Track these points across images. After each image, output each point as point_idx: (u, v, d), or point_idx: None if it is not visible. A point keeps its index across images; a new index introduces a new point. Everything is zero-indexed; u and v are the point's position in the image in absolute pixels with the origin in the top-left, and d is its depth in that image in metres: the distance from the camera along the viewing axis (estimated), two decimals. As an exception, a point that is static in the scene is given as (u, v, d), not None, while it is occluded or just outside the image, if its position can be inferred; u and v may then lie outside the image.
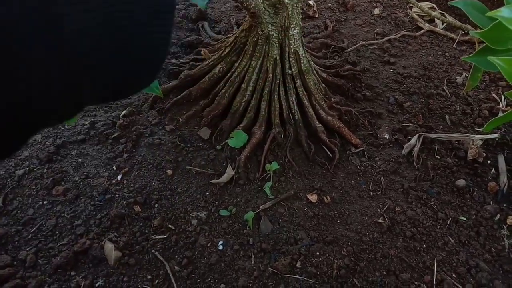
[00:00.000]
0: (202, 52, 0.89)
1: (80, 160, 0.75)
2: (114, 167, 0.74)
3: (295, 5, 0.71)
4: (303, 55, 0.78)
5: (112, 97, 0.23)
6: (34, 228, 0.65)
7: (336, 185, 0.75)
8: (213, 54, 0.87)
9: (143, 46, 0.22)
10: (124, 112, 0.82)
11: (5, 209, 0.67)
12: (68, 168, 0.74)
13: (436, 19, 1.13)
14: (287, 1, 0.70)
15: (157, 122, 0.82)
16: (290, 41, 0.76)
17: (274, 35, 0.75)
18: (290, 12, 0.72)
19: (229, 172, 0.73)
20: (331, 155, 0.79)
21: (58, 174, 0.72)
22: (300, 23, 0.76)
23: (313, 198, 0.72)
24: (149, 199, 0.70)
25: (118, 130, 0.80)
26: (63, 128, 0.80)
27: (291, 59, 0.78)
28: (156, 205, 0.70)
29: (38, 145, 0.76)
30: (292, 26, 0.74)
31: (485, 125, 0.61)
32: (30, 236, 0.64)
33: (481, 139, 0.82)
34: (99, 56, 0.19)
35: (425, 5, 1.15)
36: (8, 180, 0.71)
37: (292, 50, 0.77)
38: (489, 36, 0.53)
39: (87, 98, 0.21)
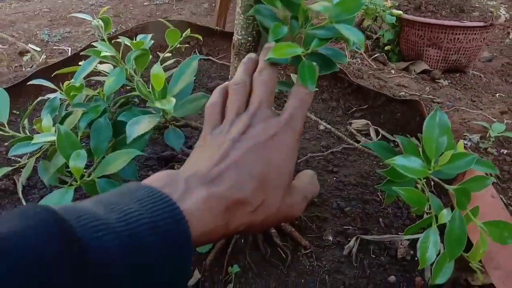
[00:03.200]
0: (175, 167, 1.05)
1: None
2: None
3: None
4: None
5: None
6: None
7: (289, 284, 0.88)
8: (184, 169, 1.04)
9: None
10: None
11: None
12: None
13: (371, 133, 1.37)
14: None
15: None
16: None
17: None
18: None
19: (196, 275, 0.85)
20: (284, 256, 0.92)
21: None
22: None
23: (269, 296, 0.85)
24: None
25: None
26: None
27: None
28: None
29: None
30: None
31: (405, 231, 0.77)
32: None
33: (408, 240, 0.99)
34: None
35: (361, 122, 1.40)
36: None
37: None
38: (391, 173, 0.70)
39: None
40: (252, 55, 0.46)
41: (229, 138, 0.36)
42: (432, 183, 1.15)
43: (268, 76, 0.42)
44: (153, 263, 0.27)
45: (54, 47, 2.12)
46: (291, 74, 0.87)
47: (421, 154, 0.65)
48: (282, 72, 1.63)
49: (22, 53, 1.95)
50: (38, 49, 2.05)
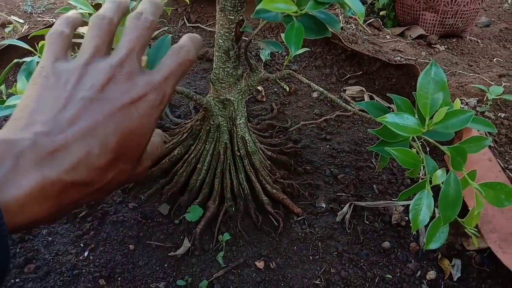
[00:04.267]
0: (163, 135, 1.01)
1: (50, 238, 0.83)
2: (81, 244, 0.82)
3: (239, 101, 0.87)
4: (249, 139, 0.93)
5: None
6: (6, 306, 0.71)
7: (281, 251, 0.86)
8: (172, 137, 1.00)
9: None
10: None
11: (-22, 289, 0.73)
12: (39, 246, 0.81)
13: (365, 99, 1.33)
14: (232, 98, 0.85)
15: (121, 201, 0.92)
16: (238, 129, 0.90)
17: (224, 124, 0.89)
18: (236, 106, 0.87)
19: (186, 244, 0.83)
20: (276, 224, 0.90)
21: (30, 253, 0.79)
22: (245, 113, 0.91)
23: (260, 264, 0.83)
24: (113, 273, 0.78)
25: (86, 209, 0.89)
26: (34, 209, 0.88)
27: (239, 143, 0.92)
28: (119, 278, 0.78)
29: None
30: (238, 116, 0.89)
31: (399, 196, 0.75)
32: (1, 314, 0.70)
33: (403, 205, 0.97)
34: None
35: (355, 88, 1.36)
36: (-18, 261, 0.77)
37: (240, 136, 0.91)
38: (383, 133, 0.67)
39: None
40: None
41: (83, 96, 0.28)
42: (428, 148, 1.12)
43: (149, 23, 0.32)
44: None
45: (38, 19, 2.04)
46: (282, 34, 0.83)
47: (415, 113, 0.62)
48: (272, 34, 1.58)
49: (4, 24, 1.87)
50: (21, 20, 1.97)
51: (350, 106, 1.17)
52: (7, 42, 0.74)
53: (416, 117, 0.60)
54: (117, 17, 0.33)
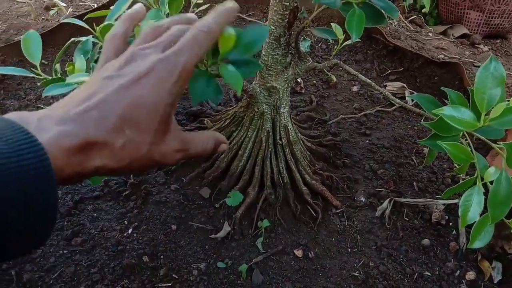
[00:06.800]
0: (205, 121, 1.03)
1: (95, 214, 0.86)
2: (125, 221, 0.85)
3: (285, 89, 0.87)
4: (291, 128, 0.93)
5: None
6: (55, 275, 0.74)
7: (319, 241, 0.86)
8: (214, 123, 1.01)
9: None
10: (135, 172, 0.94)
11: (30, 257, 0.76)
12: (85, 221, 0.84)
13: (406, 97, 1.31)
14: (279, 86, 0.85)
15: (163, 182, 0.93)
16: (281, 117, 0.90)
17: (268, 112, 0.89)
18: (281, 95, 0.87)
19: (226, 228, 0.84)
20: (315, 215, 0.90)
21: (77, 226, 0.82)
22: (289, 102, 0.91)
23: (299, 253, 0.83)
24: (156, 251, 0.80)
25: (129, 188, 0.91)
26: (80, 186, 0.91)
27: (281, 132, 0.92)
28: (162, 256, 0.79)
29: (59, 201, 0.87)
30: (282, 105, 0.89)
31: (444, 193, 0.73)
32: (51, 282, 0.73)
33: (443, 204, 0.95)
34: None
35: (396, 84, 1.34)
36: (32, 231, 0.81)
37: (282, 125, 0.91)
38: (437, 126, 0.66)
39: None
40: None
41: (104, 75, 0.32)
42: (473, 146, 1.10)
43: (194, 36, 0.35)
44: (11, 198, 0.25)
45: (80, 3, 2.09)
46: (332, 24, 0.82)
47: (470, 108, 0.61)
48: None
49: (48, 7, 1.93)
50: (64, 4, 2.03)
51: (391, 103, 1.16)
52: (67, 20, 0.76)
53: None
54: (171, 28, 0.37)
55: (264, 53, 0.83)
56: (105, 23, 0.72)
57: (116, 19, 0.75)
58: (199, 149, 0.38)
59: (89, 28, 0.75)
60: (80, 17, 1.38)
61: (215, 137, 0.40)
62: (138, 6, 0.40)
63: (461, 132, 0.65)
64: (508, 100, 0.61)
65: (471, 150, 0.62)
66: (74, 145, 0.28)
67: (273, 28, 0.78)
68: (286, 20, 0.76)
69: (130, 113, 0.31)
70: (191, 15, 0.40)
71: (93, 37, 0.79)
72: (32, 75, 0.70)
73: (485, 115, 0.57)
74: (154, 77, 0.32)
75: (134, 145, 0.31)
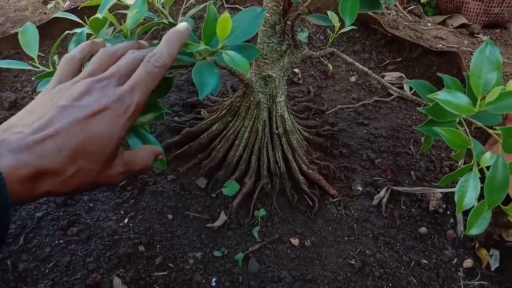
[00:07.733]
0: (202, 112, 1.02)
1: (91, 204, 0.86)
2: (121, 211, 0.85)
3: (281, 78, 0.86)
4: (288, 118, 0.92)
5: None
6: (51, 264, 0.74)
7: (316, 230, 0.86)
8: (211, 114, 1.01)
9: None
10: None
11: (26, 246, 0.76)
12: (81, 211, 0.84)
13: (404, 84, 1.30)
14: (274, 75, 0.84)
15: (160, 172, 0.93)
16: (277, 107, 0.90)
17: (264, 101, 0.89)
18: (277, 84, 0.86)
19: (222, 217, 0.84)
20: (311, 204, 0.90)
21: (73, 216, 0.82)
22: (285, 91, 0.90)
23: (295, 241, 0.83)
24: (152, 240, 0.80)
25: (125, 178, 0.91)
26: (76, 176, 0.91)
27: (277, 121, 0.92)
28: (158, 246, 0.79)
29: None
30: (279, 94, 0.88)
31: (440, 180, 0.73)
32: (47, 271, 0.73)
33: (441, 193, 0.95)
34: None
35: (394, 74, 1.33)
36: (29, 221, 0.81)
37: (279, 114, 0.91)
38: (432, 111, 0.66)
39: None
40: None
41: (60, 104, 0.34)
42: (471, 134, 1.09)
43: (148, 72, 0.37)
44: None
45: (78, -3, 2.08)
46: (328, 12, 0.81)
47: (466, 93, 0.60)
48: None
49: (46, 1, 1.92)
50: (62, -2, 2.02)
51: (389, 93, 1.15)
52: (58, 14, 0.76)
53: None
54: (124, 54, 0.40)
55: (259, 41, 0.82)
56: (95, 15, 0.71)
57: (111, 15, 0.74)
58: (141, 168, 0.41)
59: (81, 21, 0.75)
60: (77, 8, 1.38)
61: (153, 152, 0.43)
62: (101, 40, 0.44)
63: (458, 118, 0.65)
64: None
65: (468, 137, 0.62)
66: (28, 173, 0.31)
67: (268, 15, 0.77)
68: (281, 7, 0.76)
69: (84, 146, 0.33)
70: (144, 42, 0.44)
71: (88, 28, 0.78)
72: (29, 67, 0.70)
73: (481, 100, 0.57)
74: (109, 114, 0.34)
75: (84, 173, 0.34)
